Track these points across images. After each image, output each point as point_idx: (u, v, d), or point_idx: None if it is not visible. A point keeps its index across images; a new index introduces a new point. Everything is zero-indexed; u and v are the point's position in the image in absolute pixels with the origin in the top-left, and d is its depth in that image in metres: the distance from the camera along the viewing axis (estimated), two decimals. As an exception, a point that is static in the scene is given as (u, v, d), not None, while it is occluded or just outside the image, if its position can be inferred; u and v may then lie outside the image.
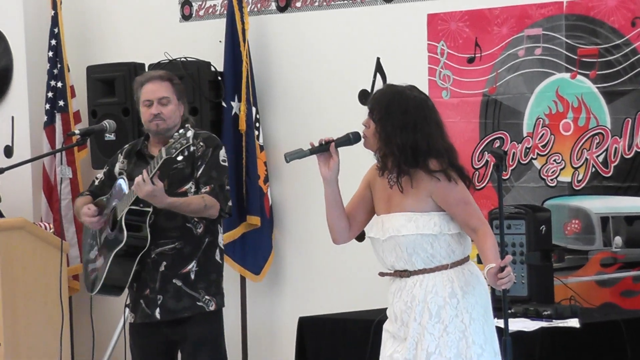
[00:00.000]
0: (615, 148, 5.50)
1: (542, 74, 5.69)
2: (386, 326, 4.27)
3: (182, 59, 6.30)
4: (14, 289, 6.18)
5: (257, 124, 6.41)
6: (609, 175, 5.51)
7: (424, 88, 5.65)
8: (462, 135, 5.77)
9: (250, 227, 6.36)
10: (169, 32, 6.83)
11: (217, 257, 5.03)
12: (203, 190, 4.90)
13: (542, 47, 5.68)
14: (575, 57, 5.59)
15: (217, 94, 6.39)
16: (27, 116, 7.06)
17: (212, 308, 4.97)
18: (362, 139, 4.21)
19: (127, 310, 5.11)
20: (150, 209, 4.87)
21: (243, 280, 6.50)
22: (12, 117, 7.10)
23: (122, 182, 4.96)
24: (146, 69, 6.41)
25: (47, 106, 6.88)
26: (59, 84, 6.84)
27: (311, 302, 6.30)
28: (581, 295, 5.43)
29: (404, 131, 4.10)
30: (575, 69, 5.60)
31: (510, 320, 4.28)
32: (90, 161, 6.62)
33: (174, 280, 4.94)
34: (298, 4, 6.44)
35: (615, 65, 5.49)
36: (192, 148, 4.85)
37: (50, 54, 6.86)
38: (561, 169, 5.64)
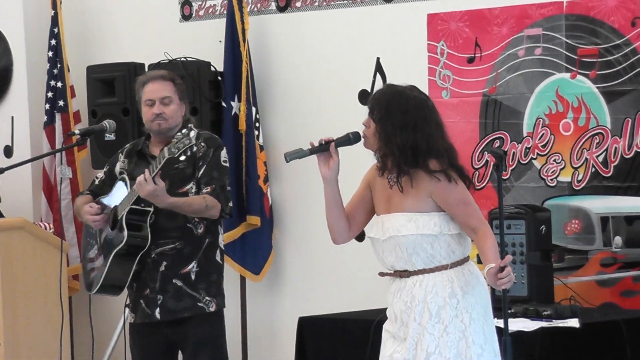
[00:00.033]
0: (615, 148, 5.50)
1: (542, 74, 5.69)
2: (386, 326, 4.27)
3: (182, 59, 6.30)
4: (14, 289, 6.17)
5: (257, 124, 6.41)
6: (608, 175, 5.51)
7: (424, 88, 5.65)
8: (462, 135, 5.77)
9: (250, 227, 6.36)
10: (169, 32, 6.83)
11: (218, 258, 5.03)
12: (204, 190, 4.90)
13: (542, 47, 5.68)
14: (575, 57, 5.59)
15: (217, 94, 6.39)
16: (27, 116, 7.06)
17: (212, 309, 4.97)
18: (362, 139, 4.21)
19: (127, 310, 5.11)
20: (151, 209, 4.87)
21: (243, 280, 6.50)
22: (12, 117, 7.10)
23: (122, 184, 4.96)
24: (146, 69, 6.41)
25: (47, 106, 6.88)
26: (59, 84, 6.84)
27: (311, 302, 6.30)
28: (581, 295, 5.43)
29: (404, 131, 4.10)
30: (575, 69, 5.60)
31: (510, 320, 4.28)
32: (90, 161, 6.62)
33: (174, 280, 4.94)
34: (298, 4, 6.45)
35: (615, 65, 5.49)
36: (194, 148, 4.85)
37: (50, 53, 6.86)
38: (561, 169, 5.64)
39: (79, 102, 6.89)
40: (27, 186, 7.01)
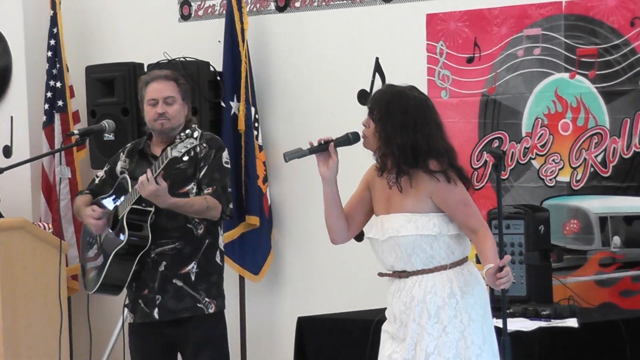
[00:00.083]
0: (614, 148, 5.50)
1: (541, 74, 5.69)
2: (385, 327, 4.27)
3: (181, 59, 6.30)
4: (13, 289, 6.17)
5: (256, 124, 6.41)
6: (607, 175, 5.51)
7: (423, 88, 5.66)
8: (461, 135, 5.77)
9: (249, 227, 6.36)
10: (168, 32, 6.83)
11: (218, 259, 5.03)
12: (205, 191, 4.90)
13: (541, 47, 5.68)
14: (575, 57, 5.59)
15: (216, 94, 6.39)
16: (26, 116, 7.06)
17: (211, 310, 4.96)
18: (362, 139, 4.21)
19: (126, 310, 5.10)
20: (152, 209, 4.87)
21: (242, 280, 6.50)
22: (11, 117, 7.09)
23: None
24: (145, 69, 6.41)
25: (46, 106, 6.88)
26: (58, 84, 6.84)
27: (310, 302, 6.30)
28: (580, 295, 5.43)
29: (404, 131, 4.10)
30: (574, 69, 5.60)
31: (509, 320, 4.28)
32: (89, 161, 6.62)
33: (174, 281, 4.94)
34: (297, 4, 6.45)
35: (614, 65, 5.49)
36: (197, 149, 4.85)
37: (49, 54, 6.86)
38: (560, 169, 5.64)
39: (78, 102, 6.89)
40: (26, 186, 7.01)
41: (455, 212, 4.12)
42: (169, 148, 4.69)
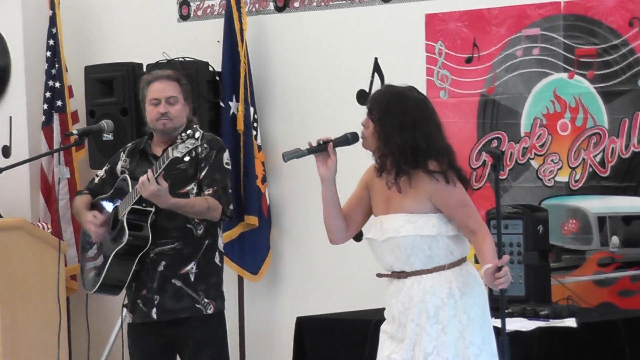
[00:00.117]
0: (613, 148, 5.50)
1: (539, 74, 5.69)
2: (384, 327, 4.27)
3: (180, 59, 6.30)
4: (12, 289, 6.17)
5: (255, 124, 6.42)
6: (606, 175, 5.51)
7: (422, 88, 5.67)
8: (460, 135, 5.77)
9: (248, 227, 6.36)
10: (167, 32, 6.83)
11: (217, 260, 5.02)
12: (206, 192, 4.90)
13: (540, 47, 5.68)
14: (573, 57, 5.59)
15: (215, 93, 6.39)
16: (24, 116, 7.05)
17: (210, 311, 4.96)
18: (361, 139, 4.21)
19: (125, 310, 5.10)
20: (153, 209, 4.87)
21: (241, 280, 6.50)
22: (10, 117, 7.09)
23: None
24: (144, 69, 6.41)
25: (45, 106, 6.88)
26: (57, 84, 6.84)
27: (309, 302, 6.31)
28: (579, 295, 5.43)
29: (404, 131, 4.10)
30: (573, 69, 5.60)
31: (508, 320, 4.29)
32: (88, 161, 6.62)
33: (173, 281, 4.94)
34: (296, 4, 6.45)
35: (613, 65, 5.50)
36: (199, 148, 4.85)
37: (48, 53, 6.86)
38: (558, 169, 5.65)
39: (77, 102, 6.89)
40: (25, 186, 7.01)
41: (454, 213, 4.12)
42: (170, 148, 4.69)
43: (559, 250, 5.59)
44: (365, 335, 4.92)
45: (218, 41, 6.46)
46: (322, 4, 6.36)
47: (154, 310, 4.94)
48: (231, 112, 6.36)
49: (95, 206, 5.09)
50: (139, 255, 4.90)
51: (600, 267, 5.53)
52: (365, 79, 6.19)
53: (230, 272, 6.25)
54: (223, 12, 6.48)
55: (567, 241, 5.60)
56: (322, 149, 4.22)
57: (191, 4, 6.80)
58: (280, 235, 6.52)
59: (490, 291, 4.40)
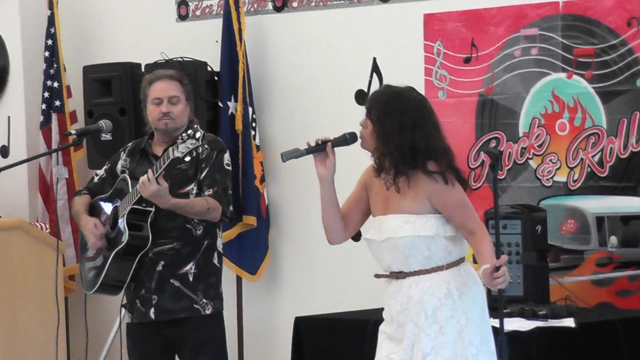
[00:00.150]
0: (611, 148, 5.50)
1: (538, 74, 5.70)
2: (382, 328, 4.27)
3: (179, 59, 6.30)
4: (10, 289, 6.17)
5: (254, 124, 6.42)
6: (604, 175, 5.51)
7: (421, 88, 5.67)
8: (458, 135, 5.77)
9: (247, 227, 6.36)
10: (166, 32, 6.83)
11: (215, 261, 5.02)
12: (206, 192, 4.89)
13: (538, 47, 5.68)
14: (572, 57, 5.59)
15: (214, 93, 6.39)
16: (23, 116, 7.05)
17: (208, 312, 4.96)
18: (359, 139, 4.21)
19: (124, 310, 5.10)
20: (153, 209, 4.86)
21: (239, 280, 6.50)
22: (9, 117, 7.09)
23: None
24: (142, 69, 6.41)
25: (44, 106, 6.88)
26: (55, 84, 6.84)
27: (307, 302, 6.30)
28: (577, 295, 5.43)
29: (403, 131, 4.10)
30: (571, 69, 5.61)
31: (506, 320, 4.29)
32: (87, 161, 6.62)
33: (171, 281, 4.94)
34: (295, 4, 6.45)
35: (611, 65, 5.50)
36: (200, 149, 4.85)
37: (47, 53, 6.85)
38: (557, 169, 5.65)
39: (76, 102, 6.89)
40: (24, 186, 7.01)
41: (453, 214, 4.12)
42: (170, 148, 4.68)
43: (558, 250, 5.59)
44: (363, 336, 4.92)
45: (216, 41, 6.46)
46: (321, 4, 6.36)
47: (152, 310, 4.94)
48: (230, 112, 6.36)
49: (94, 206, 5.09)
50: (139, 256, 4.90)
51: (599, 267, 5.53)
52: (364, 79, 6.19)
53: (228, 272, 6.24)
54: (221, 12, 6.48)
55: (565, 241, 5.61)
56: (320, 149, 4.22)
57: (190, 4, 6.80)
58: (278, 236, 6.52)
59: (489, 291, 4.41)
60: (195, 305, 4.94)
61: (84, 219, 5.02)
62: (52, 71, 6.84)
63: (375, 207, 4.23)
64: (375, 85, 6.10)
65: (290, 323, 5.41)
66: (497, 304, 4.15)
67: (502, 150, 5.74)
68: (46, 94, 6.86)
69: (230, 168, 5.01)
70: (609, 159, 5.51)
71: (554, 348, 4.87)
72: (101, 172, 5.14)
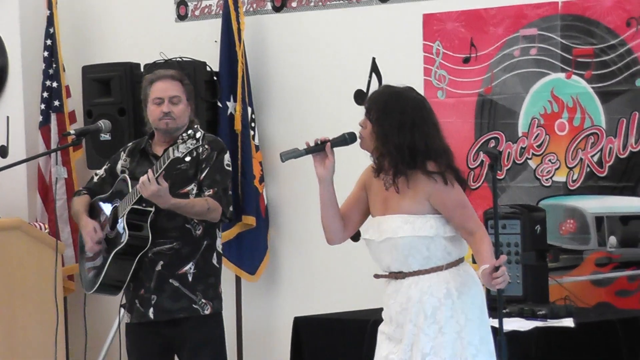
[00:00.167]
0: (610, 148, 5.50)
1: (537, 74, 5.70)
2: (381, 328, 4.27)
3: (178, 59, 6.30)
4: (9, 289, 6.17)
5: (253, 124, 6.42)
6: (603, 175, 5.52)
7: (420, 88, 5.67)
8: (457, 135, 5.77)
9: (246, 227, 6.36)
10: (165, 32, 6.82)
11: (215, 261, 5.01)
12: (206, 193, 4.89)
13: (537, 47, 5.68)
14: (571, 57, 5.60)
15: (213, 93, 6.39)
16: (22, 116, 7.05)
17: (207, 312, 4.96)
18: (359, 140, 4.21)
19: (123, 310, 5.10)
20: (153, 209, 4.86)
21: (238, 280, 6.50)
22: (7, 117, 7.09)
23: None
24: (142, 69, 6.41)
25: (43, 106, 6.88)
26: (55, 84, 6.83)
27: (307, 302, 6.30)
28: (576, 295, 5.43)
29: (402, 131, 4.10)
30: (570, 69, 5.61)
31: (505, 320, 4.29)
32: (86, 161, 6.62)
33: (170, 280, 4.94)
34: (294, 4, 6.45)
35: (611, 66, 5.50)
36: (200, 149, 4.85)
37: (46, 53, 6.85)
38: (556, 169, 5.65)
39: (75, 102, 6.89)
40: (22, 186, 7.00)
41: (452, 214, 4.12)
42: (170, 148, 4.68)
43: (557, 250, 5.59)
44: (362, 336, 4.92)
45: (215, 41, 6.45)
46: (320, 4, 6.36)
47: (151, 310, 4.94)
48: (229, 112, 6.36)
49: (93, 206, 5.09)
50: (139, 256, 4.90)
51: (598, 267, 5.53)
52: (363, 79, 6.19)
53: (227, 272, 6.24)
54: (220, 12, 6.48)
55: (564, 241, 5.61)
56: (319, 149, 4.22)
57: (189, 4, 6.80)
58: (277, 236, 6.52)
59: (488, 291, 4.40)
60: (194, 306, 4.94)
61: (83, 219, 5.01)
62: (51, 71, 6.84)
63: (374, 208, 4.23)
64: (375, 85, 6.10)
65: (290, 323, 5.41)
66: (497, 304, 4.15)
67: (501, 150, 5.74)
68: (45, 94, 6.86)
69: (230, 169, 5.01)
70: (608, 159, 5.51)
71: (553, 348, 4.87)
72: (101, 172, 5.14)
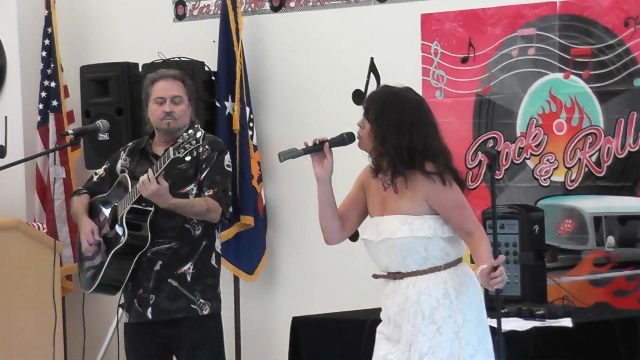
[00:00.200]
0: (608, 148, 5.51)
1: (535, 74, 5.70)
2: (380, 328, 4.27)
3: (176, 59, 6.30)
4: (8, 289, 6.17)
5: (251, 124, 6.42)
6: (602, 175, 5.52)
7: (418, 88, 5.67)
8: (455, 135, 5.77)
9: (244, 227, 6.36)
10: (163, 32, 6.82)
11: (213, 262, 5.01)
12: (206, 193, 4.89)
13: (535, 47, 5.68)
14: (569, 57, 5.60)
15: (211, 93, 6.39)
16: (20, 116, 7.05)
17: (205, 312, 4.95)
18: (357, 140, 4.21)
19: (121, 310, 5.10)
20: (152, 209, 4.86)
21: (237, 280, 6.50)
22: (5, 117, 7.08)
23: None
24: (140, 69, 6.41)
25: (41, 106, 6.87)
26: (53, 84, 6.83)
27: (305, 302, 6.30)
28: (574, 295, 5.44)
29: (400, 131, 4.10)
30: (568, 69, 5.61)
31: (504, 319, 4.29)
32: (84, 161, 6.62)
33: (169, 280, 4.93)
34: (292, 4, 6.45)
35: (609, 65, 5.50)
36: (200, 149, 4.85)
37: (44, 53, 6.85)
38: (554, 169, 5.65)
39: (73, 102, 6.88)
40: (21, 186, 7.00)
41: (450, 215, 4.12)
42: (171, 148, 4.68)
43: (555, 250, 5.59)
44: (360, 335, 4.92)
45: (214, 41, 6.45)
46: (318, 3, 6.36)
47: (149, 310, 4.94)
48: (227, 112, 6.36)
49: (93, 206, 5.08)
50: (137, 255, 4.90)
51: (596, 267, 5.53)
52: (361, 79, 6.19)
53: (226, 272, 6.24)
54: (219, 12, 6.48)
55: (562, 241, 5.61)
56: (318, 149, 4.22)
57: (187, 3, 6.79)
58: (276, 235, 6.52)
59: (486, 291, 4.41)
60: (192, 306, 4.94)
61: (82, 219, 5.01)
62: (49, 71, 6.83)
63: (372, 208, 4.23)
64: (373, 85, 6.10)
65: (288, 323, 5.41)
66: (495, 304, 4.15)
67: (499, 150, 5.74)
68: (43, 94, 6.86)
69: (230, 169, 5.00)
70: (606, 158, 5.51)
71: (551, 348, 4.87)
72: (100, 171, 5.14)
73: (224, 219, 4.95)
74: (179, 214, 4.87)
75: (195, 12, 6.77)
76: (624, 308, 5.38)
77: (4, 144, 7.07)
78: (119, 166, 5.06)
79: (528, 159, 5.72)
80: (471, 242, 4.11)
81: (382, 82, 5.96)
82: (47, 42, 6.85)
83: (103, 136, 6.20)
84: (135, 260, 4.90)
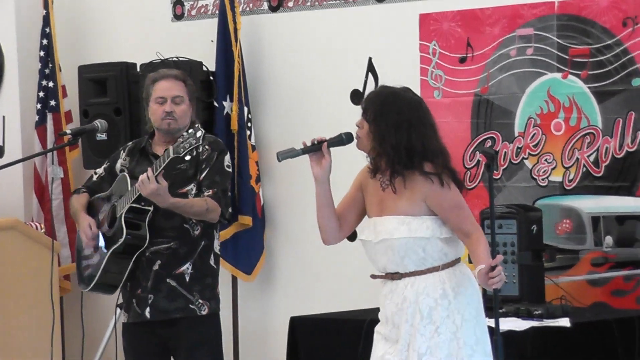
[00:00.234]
0: (606, 148, 5.51)
1: (533, 73, 5.70)
2: (378, 328, 4.27)
3: (174, 59, 6.30)
4: (5, 289, 6.17)
5: (249, 124, 6.42)
6: (600, 175, 5.52)
7: (416, 88, 5.67)
8: (453, 135, 5.77)
9: (242, 227, 6.36)
10: (161, 31, 6.82)
11: (212, 262, 5.01)
12: (206, 193, 4.88)
13: (533, 47, 5.69)
14: (567, 57, 5.60)
15: (209, 93, 6.38)
16: (18, 116, 7.05)
17: (204, 312, 4.95)
18: (355, 140, 4.21)
19: (119, 310, 5.09)
20: (151, 208, 4.86)
21: (235, 280, 6.50)
22: (3, 117, 7.07)
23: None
24: (138, 69, 6.41)
25: (39, 106, 6.87)
26: (51, 84, 6.83)
27: (303, 302, 6.31)
28: (572, 295, 5.44)
29: (399, 131, 4.10)
30: (566, 69, 5.61)
31: (502, 319, 4.29)
32: (82, 161, 6.62)
33: (167, 280, 4.93)
34: (290, 4, 6.45)
35: (607, 65, 5.50)
36: (200, 149, 4.85)
37: (42, 53, 6.85)
38: (552, 169, 5.65)
39: (71, 102, 6.88)
40: (19, 186, 7.00)
41: (448, 216, 4.12)
42: (170, 147, 4.68)
43: (553, 250, 5.59)
44: (358, 335, 4.92)
45: (212, 41, 6.45)
46: (316, 3, 6.36)
47: (148, 309, 4.94)
48: (225, 111, 6.36)
49: (92, 205, 5.08)
50: (136, 255, 4.89)
51: (594, 266, 5.54)
52: (360, 79, 6.19)
53: (224, 272, 6.23)
54: (217, 11, 6.48)
55: (560, 241, 5.61)
56: (316, 148, 4.22)
57: (185, 3, 6.79)
58: (274, 235, 6.52)
59: (484, 291, 4.41)
60: (190, 306, 4.94)
61: (81, 216, 5.01)
62: (47, 71, 6.83)
63: (370, 208, 4.23)
64: (371, 85, 6.11)
65: (286, 323, 5.41)
66: (493, 304, 4.15)
67: (497, 150, 5.74)
68: (41, 94, 6.86)
69: (230, 170, 5.00)
70: (604, 158, 5.51)
71: (549, 348, 4.87)
72: (100, 170, 5.13)
73: (223, 220, 4.95)
74: (178, 214, 4.87)
75: (193, 12, 6.77)
76: (622, 308, 5.39)
77: (2, 144, 7.08)
78: (118, 165, 5.06)
79: (526, 158, 5.72)
80: (469, 242, 4.11)
81: (381, 82, 5.97)
82: (45, 42, 6.85)
83: (101, 136, 6.20)
84: (133, 260, 4.90)
